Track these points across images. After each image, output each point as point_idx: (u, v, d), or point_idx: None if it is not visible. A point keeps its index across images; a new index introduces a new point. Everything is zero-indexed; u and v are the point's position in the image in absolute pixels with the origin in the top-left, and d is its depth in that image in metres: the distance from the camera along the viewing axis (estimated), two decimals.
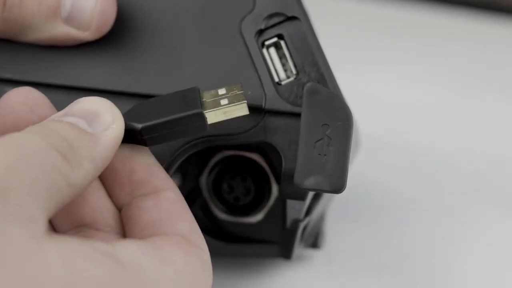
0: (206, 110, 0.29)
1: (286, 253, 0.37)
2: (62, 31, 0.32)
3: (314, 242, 0.40)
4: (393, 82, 0.56)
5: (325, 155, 0.30)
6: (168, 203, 0.29)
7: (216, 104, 0.29)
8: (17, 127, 0.28)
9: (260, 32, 0.32)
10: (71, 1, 0.32)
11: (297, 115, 0.31)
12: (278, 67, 0.32)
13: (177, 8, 0.33)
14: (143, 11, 0.33)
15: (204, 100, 0.29)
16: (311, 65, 0.32)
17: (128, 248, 0.26)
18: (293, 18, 0.32)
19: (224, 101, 0.29)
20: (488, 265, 0.42)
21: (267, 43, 0.32)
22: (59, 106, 0.29)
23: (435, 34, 0.61)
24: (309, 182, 0.30)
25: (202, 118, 0.29)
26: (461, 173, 0.48)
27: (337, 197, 0.41)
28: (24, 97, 0.29)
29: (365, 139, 0.44)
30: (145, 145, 0.29)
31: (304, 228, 0.37)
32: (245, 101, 0.29)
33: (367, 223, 0.45)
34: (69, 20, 0.32)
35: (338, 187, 0.30)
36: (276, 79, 0.32)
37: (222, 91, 0.29)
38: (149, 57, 0.32)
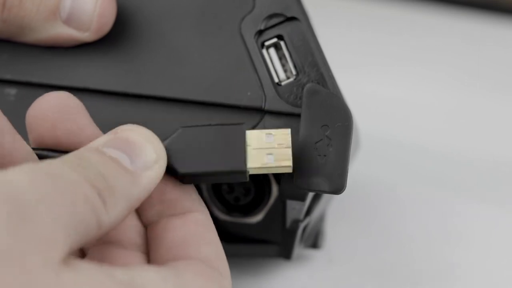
0: (250, 167, 0.28)
1: (286, 253, 0.37)
2: (61, 32, 0.32)
3: (314, 242, 0.40)
4: (392, 82, 0.56)
5: (325, 155, 0.30)
6: (196, 224, 0.28)
7: (261, 160, 0.28)
8: (53, 135, 0.28)
9: (260, 32, 0.32)
10: (71, 2, 0.32)
11: (297, 115, 0.31)
12: (278, 67, 0.32)
13: (177, 9, 0.33)
14: (143, 11, 0.33)
15: (249, 146, 0.28)
16: (311, 66, 0.32)
17: (147, 275, 0.25)
18: (292, 18, 0.32)
19: (269, 159, 0.28)
20: (487, 263, 0.42)
21: (267, 43, 0.32)
22: None
23: (435, 34, 0.61)
24: (309, 183, 0.30)
25: (245, 175, 0.28)
26: (461, 172, 0.48)
27: (337, 197, 0.41)
28: (60, 104, 0.28)
29: (366, 139, 0.44)
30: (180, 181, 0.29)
31: (304, 228, 0.37)
32: (291, 161, 0.28)
33: (367, 223, 0.45)
34: (68, 21, 0.32)
35: (338, 188, 0.30)
36: (276, 80, 0.32)
37: (269, 139, 0.29)
38: (148, 58, 0.32)
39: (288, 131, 0.29)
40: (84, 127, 0.28)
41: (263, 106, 0.31)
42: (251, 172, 0.29)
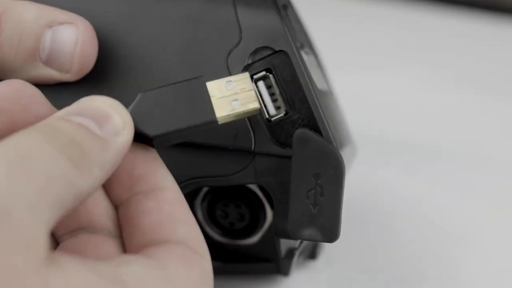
0: (218, 116, 0.28)
1: (283, 271, 0.37)
2: (42, 72, 0.31)
3: (312, 253, 0.40)
4: (392, 82, 0.56)
5: (318, 205, 0.29)
6: (169, 204, 0.27)
7: (228, 107, 0.28)
8: (12, 129, 0.26)
9: (248, 66, 0.31)
10: (50, 44, 0.30)
11: (288, 157, 0.30)
12: (268, 102, 0.31)
13: (162, 43, 0.31)
14: (127, 46, 0.31)
15: (212, 97, 0.28)
16: (301, 102, 0.30)
17: (132, 270, 0.24)
18: (281, 52, 0.30)
19: (235, 105, 0.28)
20: (488, 263, 0.42)
21: (255, 76, 0.31)
22: None
23: (434, 34, 0.59)
24: (303, 233, 0.30)
25: (216, 123, 0.28)
26: (462, 172, 0.48)
27: None
28: (16, 95, 0.26)
29: (365, 139, 0.43)
30: (152, 147, 0.28)
31: (300, 243, 0.37)
32: (257, 101, 0.28)
33: (367, 223, 0.45)
34: (49, 62, 0.31)
35: (331, 237, 0.29)
36: (266, 116, 0.31)
37: (230, 86, 0.28)
38: (133, 94, 0.31)
39: (247, 75, 0.29)
40: (44, 116, 0.26)
41: (252, 148, 0.30)
42: (221, 121, 0.28)
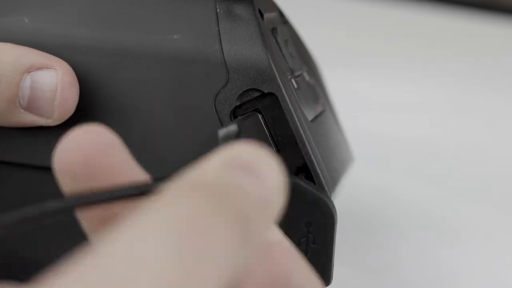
0: None
1: None
2: (24, 118, 0.30)
3: None
4: (391, 82, 0.55)
5: (309, 253, 0.29)
6: None
7: None
8: (91, 174, 0.21)
9: (235, 108, 0.30)
10: (29, 91, 0.30)
11: None
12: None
13: (147, 88, 0.30)
14: (111, 88, 0.30)
15: None
16: (291, 143, 0.30)
17: None
18: (270, 93, 0.30)
19: None
20: (486, 264, 0.42)
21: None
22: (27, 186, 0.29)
23: (434, 34, 0.58)
24: None
25: None
26: (461, 173, 0.47)
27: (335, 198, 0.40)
28: (96, 139, 0.21)
29: (364, 139, 0.43)
30: None
31: None
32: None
33: (366, 224, 0.44)
34: (29, 109, 0.30)
35: (323, 284, 0.29)
36: None
37: None
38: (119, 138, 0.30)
39: None
40: (122, 164, 0.22)
41: None
42: None
